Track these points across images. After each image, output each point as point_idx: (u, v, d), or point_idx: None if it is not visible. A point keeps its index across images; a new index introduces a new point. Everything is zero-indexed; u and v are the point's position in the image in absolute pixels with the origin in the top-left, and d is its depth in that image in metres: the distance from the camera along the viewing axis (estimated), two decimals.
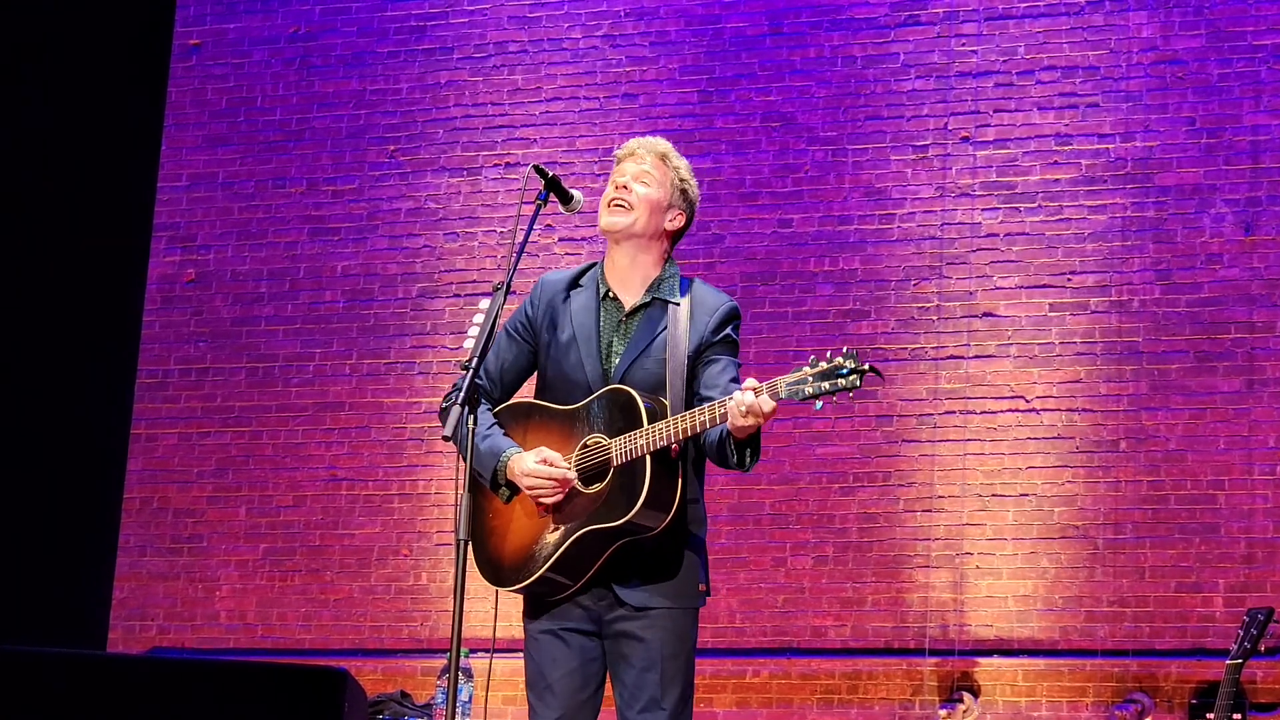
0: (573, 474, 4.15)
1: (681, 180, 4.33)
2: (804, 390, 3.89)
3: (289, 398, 8.85)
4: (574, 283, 4.36)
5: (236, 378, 8.92)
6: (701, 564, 4.23)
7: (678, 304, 4.25)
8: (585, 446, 4.16)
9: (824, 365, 3.89)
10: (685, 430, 4.00)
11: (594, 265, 4.39)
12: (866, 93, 8.46)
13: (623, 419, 4.10)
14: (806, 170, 8.48)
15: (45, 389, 8.84)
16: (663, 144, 4.36)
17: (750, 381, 3.94)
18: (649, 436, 4.03)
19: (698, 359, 4.21)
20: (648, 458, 4.03)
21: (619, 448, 4.08)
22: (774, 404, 3.90)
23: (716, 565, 7.93)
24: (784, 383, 3.91)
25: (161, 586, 8.80)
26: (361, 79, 9.06)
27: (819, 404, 3.90)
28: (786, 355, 7.99)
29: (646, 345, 4.22)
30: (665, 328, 4.22)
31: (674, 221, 4.32)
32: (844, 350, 3.90)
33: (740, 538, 8.17)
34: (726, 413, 3.94)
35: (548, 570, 4.14)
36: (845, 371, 3.87)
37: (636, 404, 4.08)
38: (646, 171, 4.30)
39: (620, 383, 4.17)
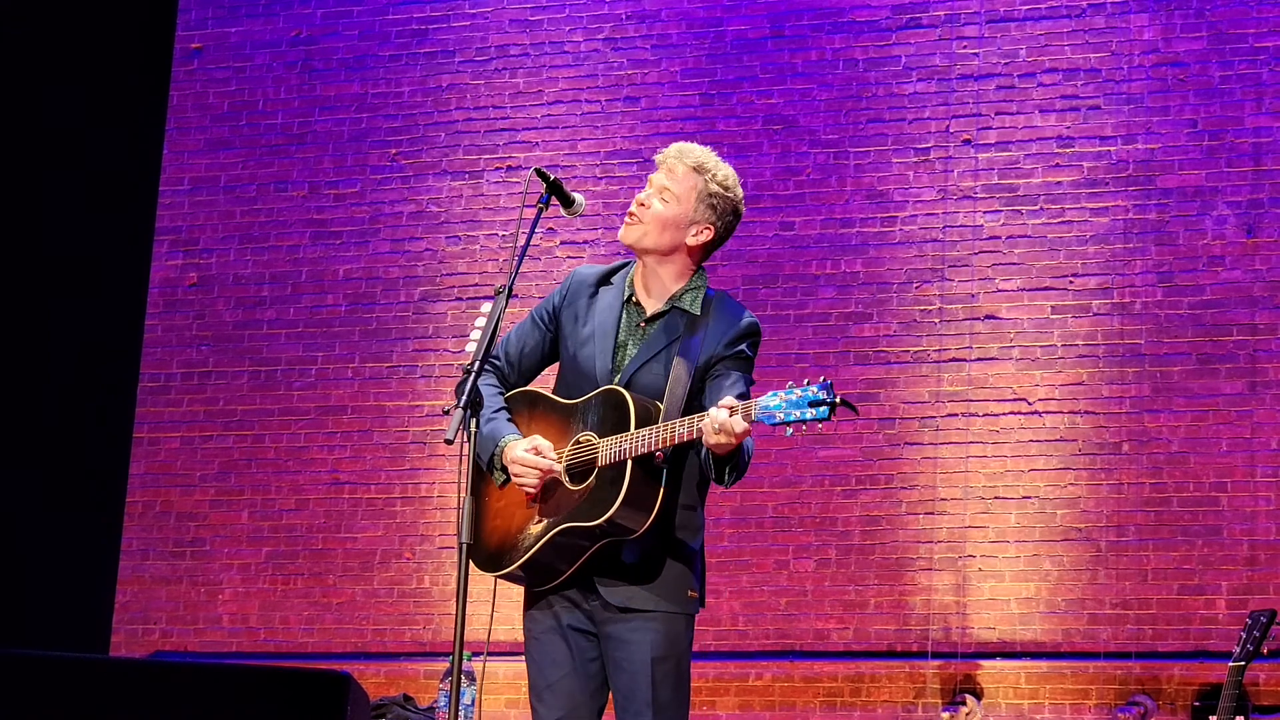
0: (558, 466, 4.16)
1: (711, 194, 4.29)
2: (776, 416, 3.90)
3: (291, 401, 8.85)
4: (605, 279, 4.37)
5: (239, 381, 8.92)
6: (694, 572, 4.22)
7: (697, 315, 4.25)
8: (578, 443, 4.19)
9: (798, 393, 3.90)
10: (667, 439, 4.02)
11: (628, 265, 4.39)
12: (868, 95, 8.47)
13: (614, 420, 4.12)
14: (808, 173, 8.48)
15: (47, 393, 8.85)
16: (698, 153, 4.32)
17: (727, 399, 3.96)
18: (633, 441, 4.05)
19: (707, 371, 4.21)
20: (629, 465, 4.05)
21: (606, 448, 4.10)
22: (745, 425, 3.92)
23: (719, 568, 7.99)
24: (758, 406, 3.92)
25: (164, 590, 8.80)
26: (363, 82, 9.07)
27: (789, 431, 3.92)
28: (789, 358, 7.99)
29: (657, 352, 4.23)
30: (679, 337, 4.23)
31: (697, 236, 4.29)
32: (820, 380, 3.91)
33: (742, 540, 8.17)
34: (702, 428, 3.96)
35: (529, 558, 4.17)
36: (818, 400, 3.88)
37: (628, 406, 4.10)
38: (666, 187, 4.28)
39: (624, 385, 4.18)
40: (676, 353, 4.20)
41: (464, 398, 3.96)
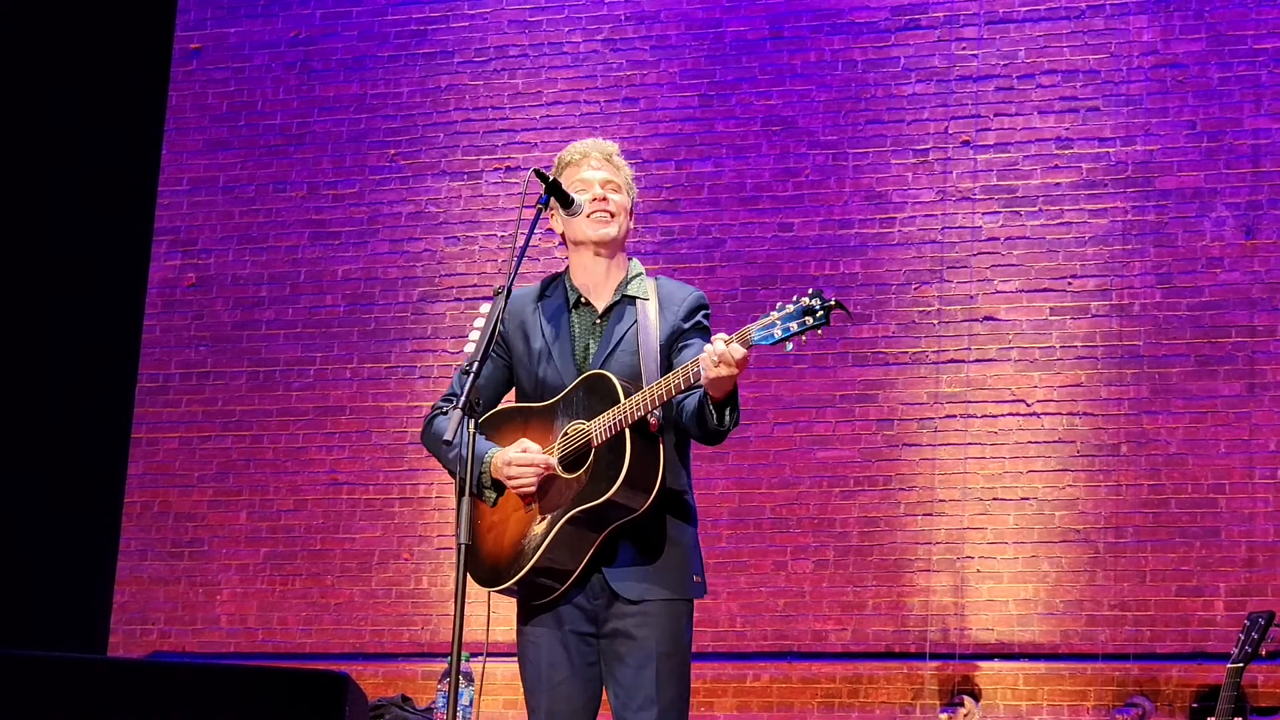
0: (552, 459, 4.16)
1: (629, 182, 4.40)
2: (773, 334, 3.90)
3: (290, 402, 8.85)
4: (541, 294, 4.40)
5: (237, 382, 8.92)
6: (695, 555, 4.24)
7: (646, 299, 4.29)
8: (566, 435, 4.18)
9: (790, 307, 3.90)
10: (661, 395, 4.02)
11: (557, 276, 4.43)
12: (867, 97, 8.47)
13: (602, 401, 4.12)
14: (807, 174, 8.48)
15: (47, 393, 8.85)
16: (611, 145, 4.41)
17: (720, 335, 3.95)
18: (627, 409, 4.05)
19: (671, 346, 4.24)
20: (628, 434, 4.04)
21: (599, 426, 4.10)
22: (745, 351, 3.91)
23: (717, 569, 7.98)
24: (754, 329, 3.92)
25: (162, 590, 8.80)
26: (362, 83, 9.07)
27: (789, 346, 3.90)
28: (787, 359, 7.99)
29: (619, 340, 4.26)
30: (635, 321, 4.26)
31: (631, 222, 4.41)
32: (809, 291, 3.91)
33: (741, 541, 8.17)
34: (700, 370, 3.95)
35: (538, 561, 4.14)
36: (811, 308, 3.88)
37: (613, 385, 4.11)
38: (611, 180, 4.35)
39: None
40: (639, 335, 4.23)
41: (462, 399, 3.96)
